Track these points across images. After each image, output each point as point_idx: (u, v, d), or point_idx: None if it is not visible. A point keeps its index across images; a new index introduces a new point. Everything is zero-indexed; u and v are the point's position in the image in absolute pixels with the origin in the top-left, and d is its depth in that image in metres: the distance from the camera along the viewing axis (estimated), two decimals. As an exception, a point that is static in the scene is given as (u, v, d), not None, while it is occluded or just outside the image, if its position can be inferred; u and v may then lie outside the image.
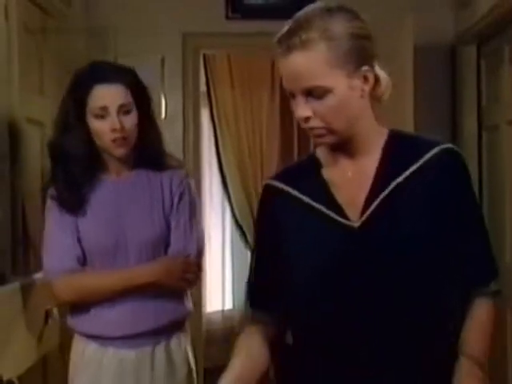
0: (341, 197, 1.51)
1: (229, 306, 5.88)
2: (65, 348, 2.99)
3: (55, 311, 2.34)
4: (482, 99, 4.18)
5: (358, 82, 1.45)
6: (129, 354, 2.21)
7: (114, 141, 2.16)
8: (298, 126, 1.53)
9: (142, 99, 2.22)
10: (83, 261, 2.21)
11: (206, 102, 5.59)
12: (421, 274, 1.44)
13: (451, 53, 4.34)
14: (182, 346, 2.26)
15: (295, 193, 1.56)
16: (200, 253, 2.27)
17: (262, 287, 1.64)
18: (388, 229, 1.46)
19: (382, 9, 4.18)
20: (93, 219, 2.21)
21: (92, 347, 2.22)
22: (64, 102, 2.21)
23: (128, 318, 2.19)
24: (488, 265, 1.61)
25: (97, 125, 2.16)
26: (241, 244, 5.75)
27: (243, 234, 5.70)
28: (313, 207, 1.52)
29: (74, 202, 2.19)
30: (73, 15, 3.82)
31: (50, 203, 2.23)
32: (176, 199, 2.25)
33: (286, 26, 1.46)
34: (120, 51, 4.13)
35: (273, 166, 5.57)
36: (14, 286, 2.18)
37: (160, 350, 2.23)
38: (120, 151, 2.18)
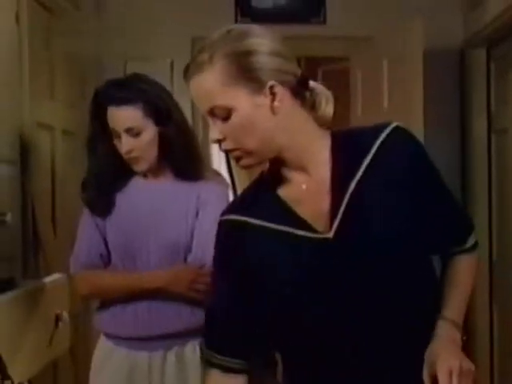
0: (303, 212, 1.45)
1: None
2: (75, 352, 3.01)
3: (65, 315, 2.36)
4: (491, 103, 4.18)
5: (264, 99, 1.40)
6: (141, 356, 2.23)
7: (128, 159, 2.22)
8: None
9: (159, 115, 2.20)
10: (108, 260, 2.29)
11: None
12: (406, 266, 1.42)
13: (460, 56, 4.34)
14: (197, 354, 2.25)
15: (257, 221, 1.49)
16: None
17: (234, 331, 1.53)
18: (363, 231, 1.41)
19: (391, 13, 4.19)
20: (118, 221, 2.27)
21: (108, 346, 2.28)
22: (89, 115, 2.26)
23: (143, 320, 2.22)
24: (463, 221, 1.60)
25: (116, 144, 2.22)
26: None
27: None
28: (279, 231, 1.45)
29: (101, 207, 2.28)
30: (83, 19, 3.84)
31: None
32: (200, 209, 2.26)
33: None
34: (129, 55, 4.16)
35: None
36: (24, 290, 2.19)
37: (171, 355, 2.24)
38: (137, 168, 2.25)
